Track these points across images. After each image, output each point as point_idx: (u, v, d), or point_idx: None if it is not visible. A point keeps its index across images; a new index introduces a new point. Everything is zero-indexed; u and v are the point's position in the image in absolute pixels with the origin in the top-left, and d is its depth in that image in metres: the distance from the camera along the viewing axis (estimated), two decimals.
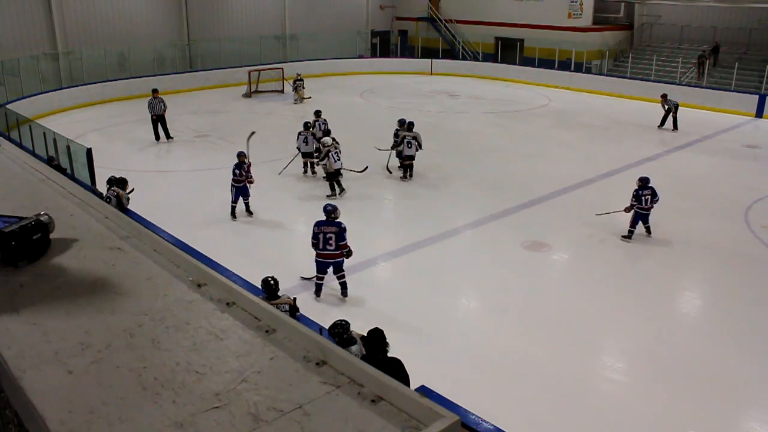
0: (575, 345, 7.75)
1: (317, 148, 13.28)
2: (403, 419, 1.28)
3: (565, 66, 26.42)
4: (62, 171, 10.60)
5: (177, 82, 23.98)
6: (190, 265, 1.95)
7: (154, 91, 16.89)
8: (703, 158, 16.36)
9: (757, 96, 21.33)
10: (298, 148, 13.86)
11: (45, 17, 21.96)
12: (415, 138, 13.60)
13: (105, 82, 22.29)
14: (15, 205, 2.34)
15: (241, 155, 11.39)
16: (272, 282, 6.71)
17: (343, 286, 8.64)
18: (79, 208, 2.46)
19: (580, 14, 27.80)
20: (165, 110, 16.78)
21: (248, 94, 23.67)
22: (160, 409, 1.32)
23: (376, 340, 5.34)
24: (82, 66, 22.44)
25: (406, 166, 13.85)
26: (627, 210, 10.74)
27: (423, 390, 5.40)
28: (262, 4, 28.31)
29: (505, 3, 29.35)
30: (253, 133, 12.19)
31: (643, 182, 10.67)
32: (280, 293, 6.83)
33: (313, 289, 8.70)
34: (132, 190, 10.17)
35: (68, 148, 12.81)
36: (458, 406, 5.11)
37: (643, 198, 10.53)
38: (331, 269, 8.58)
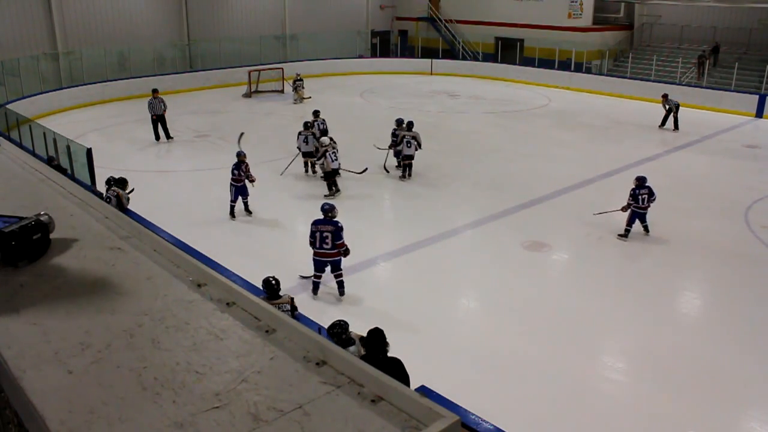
0: (575, 345, 7.75)
1: (317, 147, 13.30)
2: (403, 419, 1.28)
3: (565, 66, 26.42)
4: (62, 171, 10.60)
5: (177, 82, 23.98)
6: (190, 265, 1.95)
7: (154, 91, 16.89)
8: (703, 158, 16.36)
9: (757, 96, 21.33)
10: (299, 148, 13.89)
11: (45, 17, 21.96)
12: (414, 138, 13.62)
13: (105, 82, 22.29)
14: (15, 205, 2.34)
15: (240, 155, 11.45)
16: (274, 282, 6.72)
17: (340, 285, 8.67)
18: (79, 208, 2.46)
19: (580, 14, 27.80)
20: (165, 110, 16.78)
21: (248, 94, 23.67)
22: (160, 409, 1.32)
23: (376, 340, 5.34)
24: (82, 66, 22.44)
25: (405, 165, 13.87)
26: (624, 209, 10.77)
27: (423, 390, 5.40)
28: (262, 4, 28.31)
29: (505, 3, 29.35)
30: (242, 134, 12.42)
31: (640, 181, 10.71)
32: (281, 293, 6.83)
33: (311, 288, 8.74)
34: (132, 190, 10.18)
35: (68, 148, 12.81)
36: (458, 406, 5.11)
37: (640, 197, 10.58)
38: (329, 268, 8.61)
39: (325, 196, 12.29)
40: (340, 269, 8.62)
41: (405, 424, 1.27)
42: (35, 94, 20.02)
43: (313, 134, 13.85)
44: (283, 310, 6.37)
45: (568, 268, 10.40)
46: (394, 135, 14.17)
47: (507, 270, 9.94)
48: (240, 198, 11.50)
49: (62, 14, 22.33)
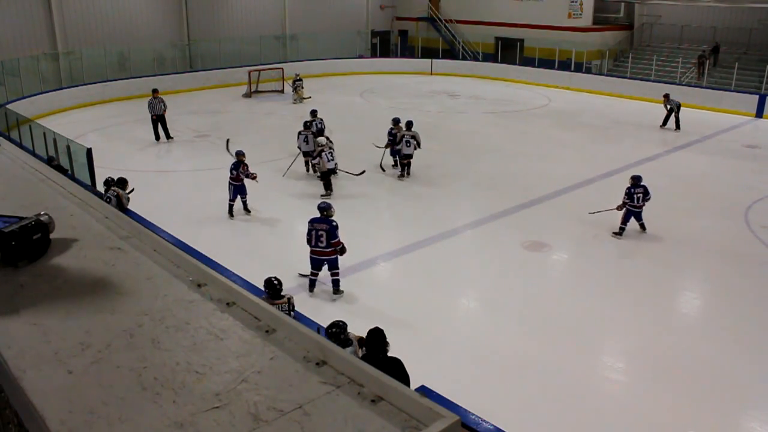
0: (575, 345, 7.75)
1: None
2: (403, 419, 1.28)
3: (565, 66, 26.41)
4: (62, 171, 10.60)
5: (177, 82, 23.98)
6: (190, 265, 1.95)
7: (154, 91, 16.89)
8: (703, 158, 16.36)
9: (757, 96, 21.33)
10: (299, 148, 13.91)
11: (45, 17, 21.96)
12: (414, 137, 13.64)
13: (105, 82, 22.29)
14: (15, 205, 2.34)
15: (239, 154, 11.47)
16: (276, 282, 6.74)
17: (335, 284, 8.73)
18: (79, 208, 2.46)
19: (580, 14, 27.80)
20: (165, 110, 16.78)
21: (248, 94, 23.67)
22: (160, 409, 1.32)
23: (376, 340, 5.34)
24: (82, 66, 22.44)
25: (404, 164, 13.89)
26: (619, 208, 10.84)
27: (423, 390, 5.40)
28: (262, 4, 28.31)
29: (505, 3, 29.35)
30: (228, 140, 12.58)
31: (636, 180, 10.79)
32: (283, 293, 6.85)
33: (308, 285, 8.82)
34: (132, 190, 10.19)
35: (68, 148, 12.81)
36: (458, 406, 5.11)
37: (635, 196, 10.65)
38: (326, 267, 8.67)
39: (322, 195, 12.32)
40: (337, 268, 8.68)
41: (405, 424, 1.27)
42: (35, 94, 20.02)
43: (313, 134, 13.87)
44: (282, 311, 6.39)
45: (568, 268, 10.40)
46: (390, 134, 14.21)
47: (507, 270, 9.94)
48: (239, 197, 11.53)
49: (62, 14, 22.33)
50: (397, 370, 5.15)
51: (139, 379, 1.42)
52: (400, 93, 24.83)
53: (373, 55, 31.33)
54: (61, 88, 21.41)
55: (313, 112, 15.28)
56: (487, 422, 5.15)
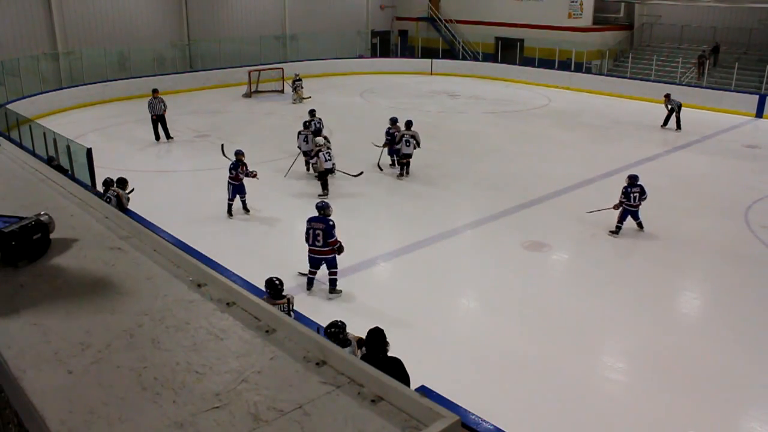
0: (575, 345, 7.75)
1: None
2: (403, 419, 1.28)
3: (565, 66, 26.41)
4: (62, 171, 10.60)
5: (177, 82, 23.98)
6: (190, 265, 1.95)
7: (154, 91, 16.90)
8: (703, 158, 16.36)
9: (757, 96, 21.33)
10: (299, 147, 13.92)
11: (45, 17, 21.96)
12: (413, 136, 13.65)
13: (105, 82, 22.29)
14: (15, 205, 2.34)
15: (238, 153, 11.49)
16: (277, 282, 6.76)
17: (332, 283, 8.75)
18: (79, 208, 2.46)
19: (580, 14, 27.80)
20: (165, 110, 16.79)
21: (248, 94, 23.67)
22: (160, 409, 1.32)
23: (376, 340, 5.34)
24: (82, 66, 22.44)
25: (403, 164, 13.89)
26: (616, 207, 10.88)
27: (423, 390, 5.40)
28: (262, 4, 28.31)
29: (505, 3, 29.35)
30: (222, 145, 12.99)
31: (632, 180, 10.83)
32: (283, 293, 6.86)
33: (306, 283, 8.83)
34: (132, 190, 10.19)
35: (68, 148, 12.82)
36: (458, 406, 5.12)
37: (632, 195, 10.70)
38: (324, 266, 8.70)
39: (319, 195, 12.33)
40: (335, 267, 8.71)
41: (405, 424, 1.27)
42: (35, 94, 20.02)
43: (314, 133, 13.89)
44: (282, 310, 6.39)
45: (568, 268, 10.40)
46: (388, 134, 14.21)
47: (507, 270, 9.94)
48: (238, 196, 11.55)
49: (62, 14, 22.33)
50: (397, 370, 5.15)
51: (139, 379, 1.42)
52: (400, 93, 24.82)
53: (373, 55, 31.33)
54: (61, 88, 21.41)
55: (312, 112, 15.30)
56: (487, 422, 5.15)
